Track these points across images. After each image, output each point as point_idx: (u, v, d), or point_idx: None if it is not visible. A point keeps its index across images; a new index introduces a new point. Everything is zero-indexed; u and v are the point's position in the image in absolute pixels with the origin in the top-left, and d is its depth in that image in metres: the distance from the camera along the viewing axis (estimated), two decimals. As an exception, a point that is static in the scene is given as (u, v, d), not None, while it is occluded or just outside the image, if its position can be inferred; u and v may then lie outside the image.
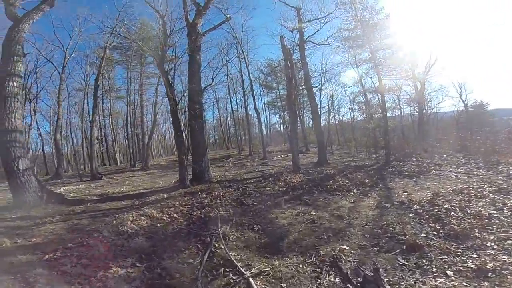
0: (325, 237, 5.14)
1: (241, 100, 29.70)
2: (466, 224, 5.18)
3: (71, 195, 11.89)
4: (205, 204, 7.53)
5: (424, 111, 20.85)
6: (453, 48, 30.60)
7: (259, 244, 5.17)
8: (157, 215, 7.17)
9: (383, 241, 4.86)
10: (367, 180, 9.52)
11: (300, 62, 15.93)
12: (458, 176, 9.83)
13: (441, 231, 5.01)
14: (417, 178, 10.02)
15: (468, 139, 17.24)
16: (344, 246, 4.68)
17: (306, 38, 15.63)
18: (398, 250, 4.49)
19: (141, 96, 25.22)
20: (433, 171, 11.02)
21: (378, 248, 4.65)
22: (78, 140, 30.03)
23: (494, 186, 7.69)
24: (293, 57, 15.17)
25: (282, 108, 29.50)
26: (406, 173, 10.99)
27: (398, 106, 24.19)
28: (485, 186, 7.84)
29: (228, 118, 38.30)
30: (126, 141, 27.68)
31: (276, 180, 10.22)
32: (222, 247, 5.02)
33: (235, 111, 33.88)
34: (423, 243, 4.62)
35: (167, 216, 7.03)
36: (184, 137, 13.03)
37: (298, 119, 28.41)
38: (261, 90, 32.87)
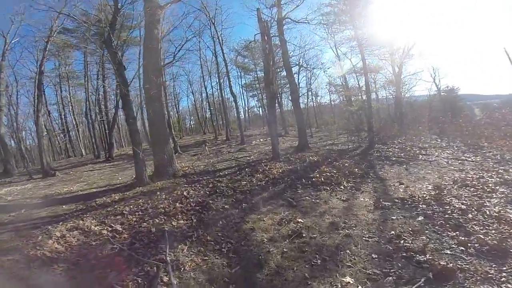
0: (319, 261, 3.65)
1: (216, 83, 27.30)
2: (494, 232, 3.96)
3: (9, 198, 9.60)
4: (161, 211, 5.75)
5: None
6: (428, 31, 29.92)
7: (227, 276, 3.57)
8: (96, 227, 5.31)
9: (399, 264, 3.47)
10: (356, 170, 8.22)
11: (278, 40, 14.03)
12: (449, 162, 8.86)
13: (469, 244, 3.72)
14: (407, 165, 8.92)
15: (446, 122, 16.80)
16: (348, 279, 3.23)
17: (285, 15, 13.64)
18: (422, 280, 3.13)
19: (103, 81, 21.95)
20: (420, 156, 10.07)
21: (394, 277, 3.25)
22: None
23: (495, 176, 6.69)
24: (271, 33, 13.27)
25: (260, 90, 27.57)
26: (394, 159, 9.95)
27: (374, 89, 23.23)
28: (485, 176, 6.82)
29: (204, 103, 35.61)
30: (88, 130, 24.45)
31: (254, 172, 8.63)
32: (173, 283, 3.38)
33: (211, 95, 31.45)
34: (453, 265, 3.30)
35: (109, 229, 5.19)
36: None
37: (276, 101, 26.94)
38: (238, 72, 30.52)
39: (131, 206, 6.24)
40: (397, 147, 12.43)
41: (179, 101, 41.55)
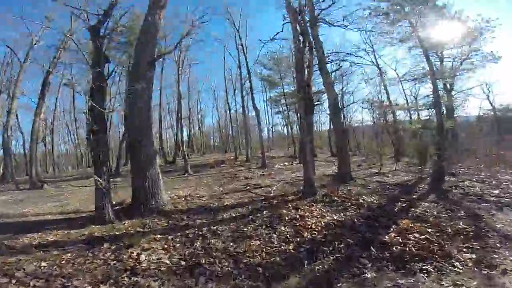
0: None
1: (240, 99, 24.88)
2: None
3: None
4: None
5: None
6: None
7: None
8: None
9: None
10: (461, 224, 4.34)
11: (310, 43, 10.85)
12: None
13: None
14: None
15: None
16: None
17: (319, 14, 10.60)
18: None
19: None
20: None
21: None
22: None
23: None
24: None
25: (287, 107, 24.36)
26: (493, 199, 6.17)
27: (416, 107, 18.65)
28: None
29: (227, 119, 33.28)
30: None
31: (276, 219, 5.05)
32: None
33: (234, 112, 29.07)
34: None
35: None
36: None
37: (313, 112, 23.59)
38: (262, 85, 27.79)
39: (50, 262, 2.99)
40: (475, 179, 8.59)
41: (204, 117, 40.08)
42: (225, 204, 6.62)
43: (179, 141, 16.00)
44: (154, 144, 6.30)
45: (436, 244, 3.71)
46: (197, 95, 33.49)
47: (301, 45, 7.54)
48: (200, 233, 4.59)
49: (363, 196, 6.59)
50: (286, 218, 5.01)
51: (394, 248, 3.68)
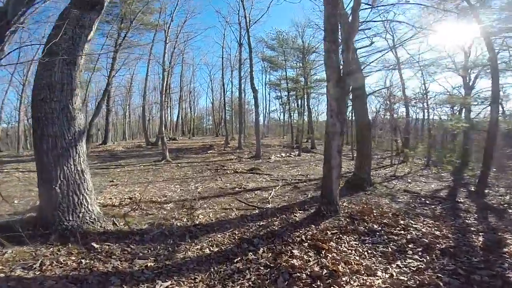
0: None
1: (237, 78, 21.97)
2: None
3: None
4: None
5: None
6: None
7: None
8: None
9: None
10: None
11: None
12: None
13: None
14: None
15: None
16: None
17: None
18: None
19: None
20: None
21: None
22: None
23: None
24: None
25: (288, 92, 21.60)
26: None
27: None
28: None
29: (222, 101, 30.27)
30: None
31: (284, 273, 2.63)
32: None
33: (230, 93, 26.07)
34: None
35: None
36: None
37: (307, 109, 20.32)
38: (263, 67, 24.74)
39: None
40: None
41: (198, 98, 36.82)
42: (197, 222, 4.11)
43: (163, 121, 13.21)
44: (75, 124, 3.62)
45: None
46: (191, 75, 30.14)
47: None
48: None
49: (410, 221, 4.22)
50: (303, 274, 2.56)
51: None
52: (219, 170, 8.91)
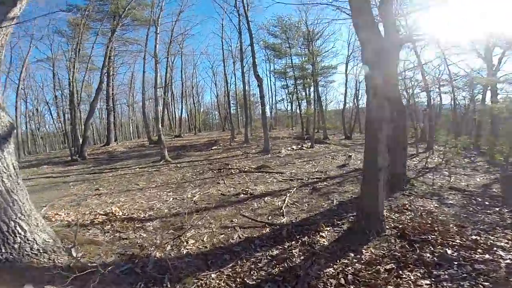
0: None
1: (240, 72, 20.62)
2: None
3: None
4: None
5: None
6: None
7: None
8: None
9: None
10: None
11: None
12: None
13: None
14: None
15: None
16: None
17: None
18: None
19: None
20: None
21: None
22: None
23: None
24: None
25: (295, 80, 20.04)
26: None
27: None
28: None
29: (224, 93, 28.87)
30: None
31: None
32: None
33: (233, 86, 24.70)
34: None
35: None
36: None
37: (317, 100, 18.77)
38: (266, 55, 23.09)
39: None
40: None
41: (203, 92, 35.62)
42: (185, 252, 2.91)
43: (159, 117, 12.09)
44: None
45: None
46: (193, 68, 28.84)
47: None
48: None
49: (488, 237, 2.88)
50: None
51: None
52: (222, 170, 7.72)
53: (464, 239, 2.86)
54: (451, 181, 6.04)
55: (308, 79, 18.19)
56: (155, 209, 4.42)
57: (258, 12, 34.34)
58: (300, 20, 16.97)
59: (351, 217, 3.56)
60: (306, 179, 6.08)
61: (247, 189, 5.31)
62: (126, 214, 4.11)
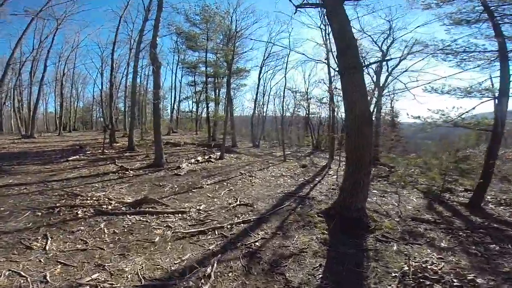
0: None
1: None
2: None
3: None
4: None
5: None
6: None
7: None
8: None
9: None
10: None
11: None
12: None
13: None
14: None
15: None
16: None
17: None
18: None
19: None
20: None
21: None
22: None
23: None
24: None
25: (206, 78, 17.02)
26: None
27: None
28: None
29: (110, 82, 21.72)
30: None
31: None
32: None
33: (122, 74, 18.56)
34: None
35: None
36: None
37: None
38: (175, 41, 18.64)
39: None
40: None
41: (85, 84, 25.68)
42: None
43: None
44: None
45: None
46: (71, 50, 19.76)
47: None
48: None
49: None
50: None
51: None
52: (60, 210, 3.82)
53: None
54: (396, 207, 4.96)
55: (220, 79, 15.75)
56: None
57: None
58: (227, 11, 14.22)
59: None
60: (228, 226, 3.39)
61: (94, 276, 2.02)
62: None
